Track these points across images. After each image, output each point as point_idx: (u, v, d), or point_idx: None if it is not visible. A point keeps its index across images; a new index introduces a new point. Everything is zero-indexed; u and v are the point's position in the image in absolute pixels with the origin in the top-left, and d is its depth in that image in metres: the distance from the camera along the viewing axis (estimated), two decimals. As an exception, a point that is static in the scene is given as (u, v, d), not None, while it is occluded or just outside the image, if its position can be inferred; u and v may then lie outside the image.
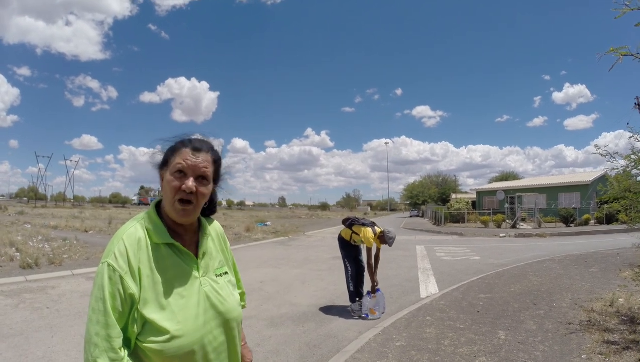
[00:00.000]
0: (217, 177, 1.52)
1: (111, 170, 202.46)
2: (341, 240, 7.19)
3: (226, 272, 1.54)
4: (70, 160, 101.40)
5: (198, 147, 1.44)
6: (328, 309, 7.09)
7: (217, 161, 1.50)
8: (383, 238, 6.73)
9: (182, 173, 1.38)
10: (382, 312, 6.67)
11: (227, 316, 1.42)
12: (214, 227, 1.62)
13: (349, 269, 6.97)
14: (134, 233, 1.36)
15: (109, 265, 1.27)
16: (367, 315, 6.50)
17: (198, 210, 1.42)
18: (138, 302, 1.27)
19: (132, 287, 1.26)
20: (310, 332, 5.83)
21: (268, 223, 34.04)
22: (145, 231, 1.38)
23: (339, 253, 7.41)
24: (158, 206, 1.47)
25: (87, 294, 7.78)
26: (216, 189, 1.57)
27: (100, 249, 13.67)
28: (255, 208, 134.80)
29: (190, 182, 1.36)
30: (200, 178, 1.40)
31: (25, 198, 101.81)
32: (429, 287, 8.87)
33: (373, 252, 6.89)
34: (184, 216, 1.38)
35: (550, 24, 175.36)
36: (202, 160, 1.42)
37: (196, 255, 1.45)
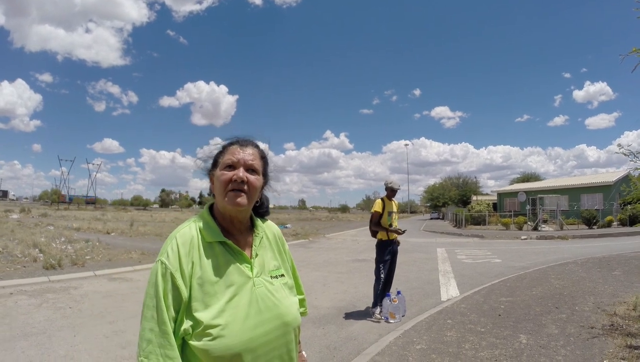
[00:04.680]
0: (265, 174, 1.53)
1: (132, 173, 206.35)
2: (380, 244, 7.05)
3: (282, 275, 1.51)
4: (93, 164, 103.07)
5: (244, 143, 1.49)
6: (349, 312, 7.11)
7: (264, 158, 1.53)
8: (389, 192, 7.03)
9: (232, 168, 1.41)
10: (403, 316, 6.67)
11: (281, 320, 1.37)
12: (270, 228, 1.61)
13: (382, 275, 6.90)
14: (187, 233, 1.37)
15: (162, 263, 1.29)
16: (387, 318, 6.51)
17: (251, 201, 1.43)
18: (188, 300, 1.28)
19: (183, 285, 1.27)
20: (330, 335, 5.87)
21: (288, 225, 34.20)
22: (198, 231, 1.39)
23: (360, 256, 7.46)
24: (211, 209, 1.49)
25: (109, 295, 7.98)
26: (266, 191, 1.58)
27: (122, 250, 13.97)
28: (275, 210, 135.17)
29: (241, 172, 1.39)
30: (250, 170, 1.42)
31: (48, 200, 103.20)
32: (449, 290, 8.84)
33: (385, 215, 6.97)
34: (237, 204, 1.38)
35: (570, 21, 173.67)
36: (250, 153, 1.45)
37: (250, 255, 1.44)
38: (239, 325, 1.28)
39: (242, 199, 1.38)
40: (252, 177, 1.41)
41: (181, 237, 1.35)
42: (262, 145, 1.57)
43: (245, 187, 1.39)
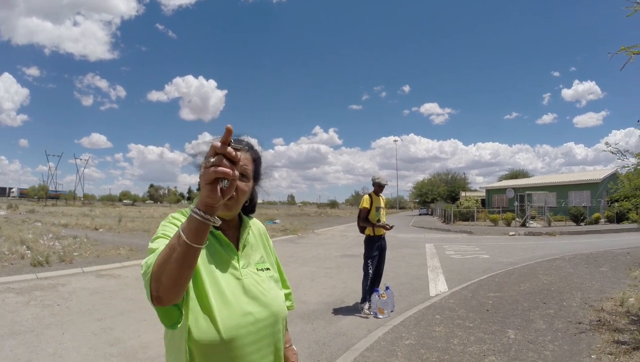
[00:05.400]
0: (257, 175, 1.55)
1: (120, 168, 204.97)
2: (368, 239, 7.06)
3: (268, 268, 1.55)
4: (80, 159, 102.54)
5: (237, 146, 1.45)
6: (337, 308, 7.11)
7: (256, 160, 1.53)
8: (376, 188, 7.08)
9: None
10: (392, 311, 6.69)
11: (268, 310, 1.40)
12: (256, 225, 1.64)
13: (371, 271, 6.90)
14: (181, 216, 1.41)
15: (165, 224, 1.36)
16: (375, 314, 6.52)
17: (238, 206, 1.45)
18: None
19: None
20: (319, 330, 5.87)
21: (277, 221, 34.13)
22: None
23: (348, 251, 7.44)
24: None
25: (97, 292, 7.91)
26: (256, 188, 1.60)
27: (110, 246, 13.85)
28: (264, 206, 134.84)
29: None
30: (240, 176, 1.41)
31: (35, 197, 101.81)
32: (438, 286, 8.88)
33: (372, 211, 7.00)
34: (224, 210, 1.41)
35: (559, 20, 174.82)
36: (242, 158, 1.40)
37: (237, 248, 1.48)
38: (225, 314, 1.30)
39: (229, 210, 1.43)
40: (241, 184, 1.42)
41: (176, 219, 1.40)
42: (253, 141, 1.56)
43: (234, 194, 1.40)
